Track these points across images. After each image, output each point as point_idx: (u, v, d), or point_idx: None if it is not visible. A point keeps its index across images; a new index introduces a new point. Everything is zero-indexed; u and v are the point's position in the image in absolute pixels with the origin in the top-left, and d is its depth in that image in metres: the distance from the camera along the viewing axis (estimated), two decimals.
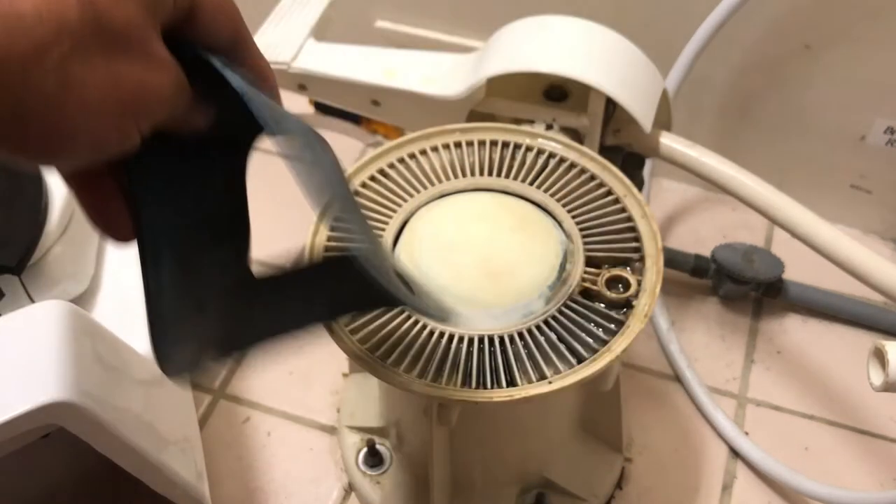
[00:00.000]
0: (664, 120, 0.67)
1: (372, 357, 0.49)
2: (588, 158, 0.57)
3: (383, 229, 0.55)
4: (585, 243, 0.53)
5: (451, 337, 0.50)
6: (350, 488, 0.69)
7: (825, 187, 0.83)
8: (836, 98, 0.77)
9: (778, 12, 0.74)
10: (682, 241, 0.85)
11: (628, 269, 0.52)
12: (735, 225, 0.87)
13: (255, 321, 0.42)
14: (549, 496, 0.65)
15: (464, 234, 0.53)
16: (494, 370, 0.48)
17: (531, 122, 0.64)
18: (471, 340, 0.49)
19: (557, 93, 0.64)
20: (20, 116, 0.23)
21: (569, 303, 0.51)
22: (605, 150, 0.66)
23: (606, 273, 0.52)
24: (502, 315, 0.50)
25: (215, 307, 0.40)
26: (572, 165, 0.57)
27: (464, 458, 0.61)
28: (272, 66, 0.67)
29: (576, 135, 0.64)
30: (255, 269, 0.41)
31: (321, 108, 0.97)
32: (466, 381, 0.48)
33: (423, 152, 0.59)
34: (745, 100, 0.81)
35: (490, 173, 0.58)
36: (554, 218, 0.55)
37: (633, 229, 0.54)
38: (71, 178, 0.32)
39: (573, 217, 0.55)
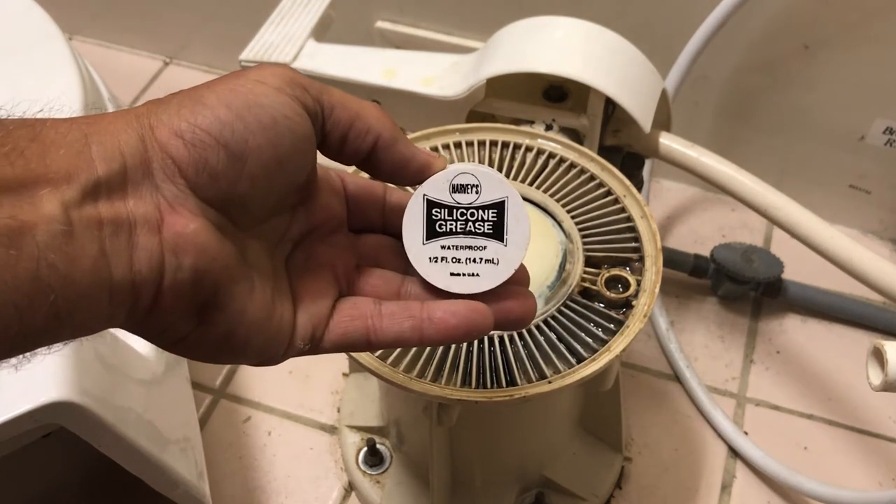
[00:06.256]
0: (663, 120, 0.67)
1: (372, 356, 0.49)
2: (588, 159, 0.57)
3: None
4: (585, 243, 0.53)
5: None
6: (350, 487, 0.69)
7: (824, 187, 0.83)
8: (835, 98, 0.77)
9: (777, 13, 0.74)
10: (681, 241, 0.86)
11: (628, 268, 0.52)
12: (734, 225, 0.87)
13: None
14: (549, 495, 0.65)
15: None
16: (494, 370, 0.48)
17: (531, 122, 0.64)
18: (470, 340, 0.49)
19: (557, 93, 0.64)
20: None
21: (568, 303, 0.51)
22: (604, 151, 0.66)
23: (606, 273, 0.52)
24: None
25: None
26: (572, 166, 0.57)
27: (464, 457, 0.61)
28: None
29: (575, 135, 0.64)
30: None
31: None
32: (466, 381, 0.48)
33: None
34: (744, 100, 0.81)
35: None
36: (553, 218, 0.55)
37: (633, 229, 0.54)
38: None
39: (573, 217, 0.55)
